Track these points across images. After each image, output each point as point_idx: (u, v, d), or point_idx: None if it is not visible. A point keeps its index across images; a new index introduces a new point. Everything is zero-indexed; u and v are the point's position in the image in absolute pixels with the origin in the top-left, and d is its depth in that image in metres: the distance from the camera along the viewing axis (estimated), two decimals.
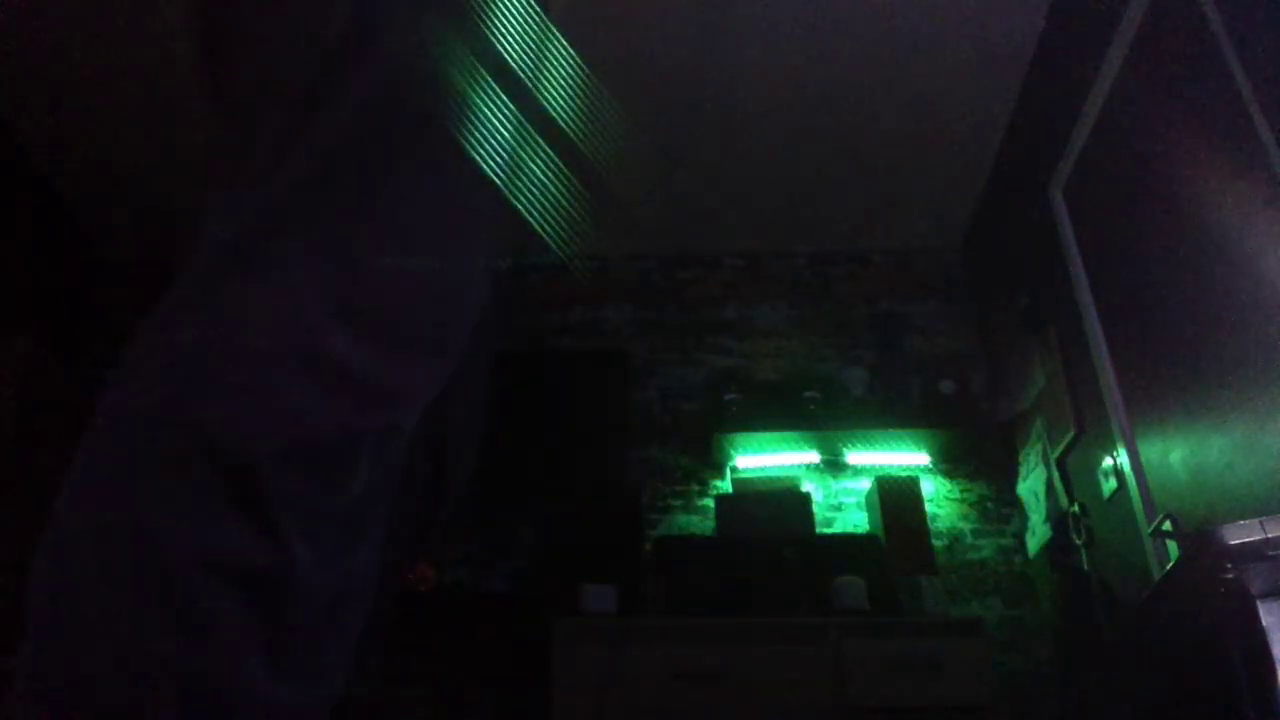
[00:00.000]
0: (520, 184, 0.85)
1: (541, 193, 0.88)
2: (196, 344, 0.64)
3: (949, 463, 3.79)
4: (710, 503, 3.68)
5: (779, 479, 3.71)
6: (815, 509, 3.54)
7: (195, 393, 0.61)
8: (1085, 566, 3.00)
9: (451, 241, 0.76)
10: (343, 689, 0.70)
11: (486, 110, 0.78)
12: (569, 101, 0.92)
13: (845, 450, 3.76)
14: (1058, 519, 3.24)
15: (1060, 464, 3.26)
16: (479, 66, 0.78)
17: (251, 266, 0.67)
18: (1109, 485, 2.88)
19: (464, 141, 0.75)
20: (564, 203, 0.91)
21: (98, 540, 0.58)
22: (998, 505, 3.71)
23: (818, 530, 3.50)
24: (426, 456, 0.94)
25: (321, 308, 0.66)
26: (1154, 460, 2.63)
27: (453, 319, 0.75)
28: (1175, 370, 2.49)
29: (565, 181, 0.90)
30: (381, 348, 0.67)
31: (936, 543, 3.53)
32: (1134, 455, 2.73)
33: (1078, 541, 3.05)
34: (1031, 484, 3.49)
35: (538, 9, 0.86)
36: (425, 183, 0.74)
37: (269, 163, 0.71)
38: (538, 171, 0.87)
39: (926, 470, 3.76)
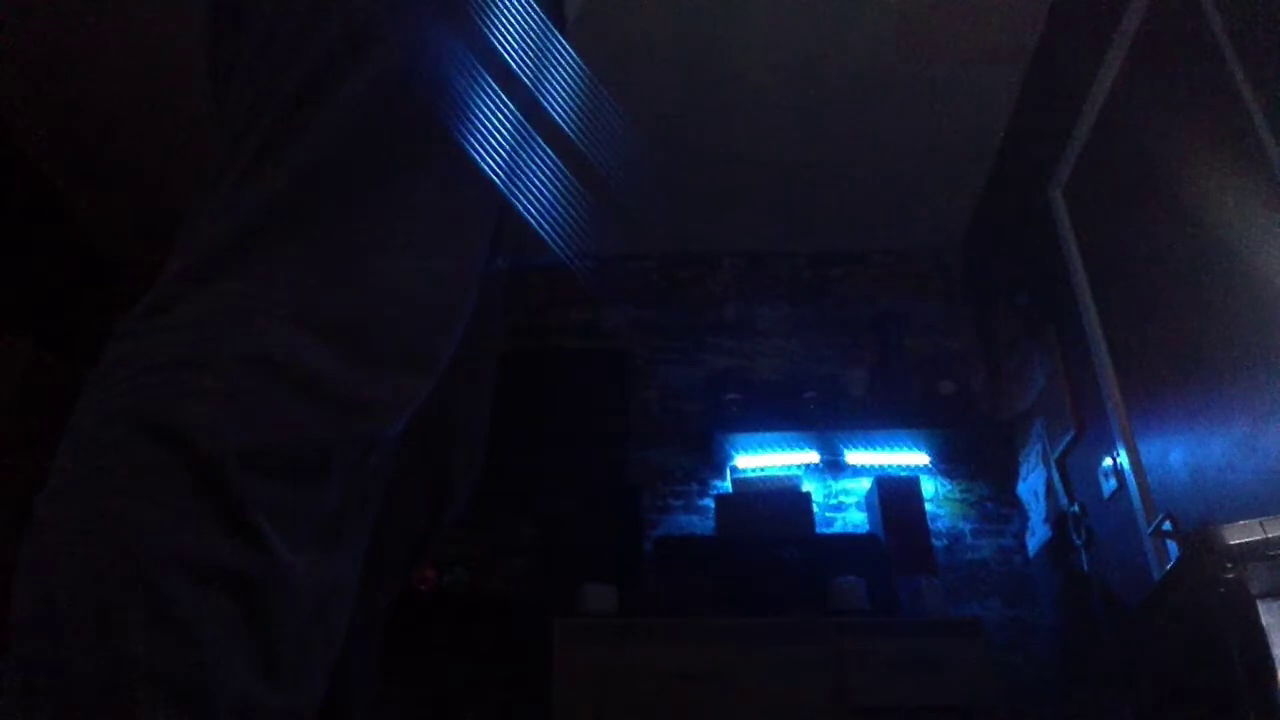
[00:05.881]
0: (520, 184, 0.84)
1: (541, 193, 0.87)
2: (172, 349, 0.64)
3: (949, 463, 3.79)
4: (710, 503, 3.68)
5: (779, 479, 3.71)
6: (815, 509, 3.54)
7: (170, 397, 0.61)
8: (1085, 566, 3.00)
9: (443, 247, 0.76)
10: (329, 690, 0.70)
11: (486, 111, 0.78)
12: (569, 102, 0.92)
13: (845, 450, 3.76)
14: (1057, 519, 3.24)
15: (1060, 464, 3.26)
16: (479, 67, 0.78)
17: (229, 272, 0.67)
18: (1109, 485, 2.88)
19: (463, 142, 0.75)
20: (564, 203, 0.90)
21: (77, 543, 0.58)
22: (998, 505, 3.71)
23: (818, 530, 3.50)
24: (426, 461, 0.94)
25: (297, 316, 0.65)
26: (1154, 460, 2.63)
27: (438, 329, 0.75)
28: (1175, 370, 2.49)
29: (565, 181, 0.90)
30: (357, 358, 0.67)
31: (936, 543, 3.53)
32: (1134, 455, 2.73)
33: (1078, 541, 3.04)
34: (1031, 484, 3.49)
35: (539, 11, 0.85)
36: (418, 188, 0.74)
37: (254, 167, 0.71)
38: (538, 171, 0.87)
39: (926, 470, 3.76)
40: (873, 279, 4.23)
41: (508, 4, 0.82)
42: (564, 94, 0.91)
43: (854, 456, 3.78)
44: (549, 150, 0.88)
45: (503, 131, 0.79)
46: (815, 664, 2.85)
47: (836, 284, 4.23)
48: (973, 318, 4.10)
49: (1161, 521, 2.43)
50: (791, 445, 3.73)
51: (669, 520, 3.68)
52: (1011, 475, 3.70)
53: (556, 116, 0.91)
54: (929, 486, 3.70)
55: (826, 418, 3.71)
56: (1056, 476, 3.26)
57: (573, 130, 0.95)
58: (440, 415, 0.89)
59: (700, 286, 4.25)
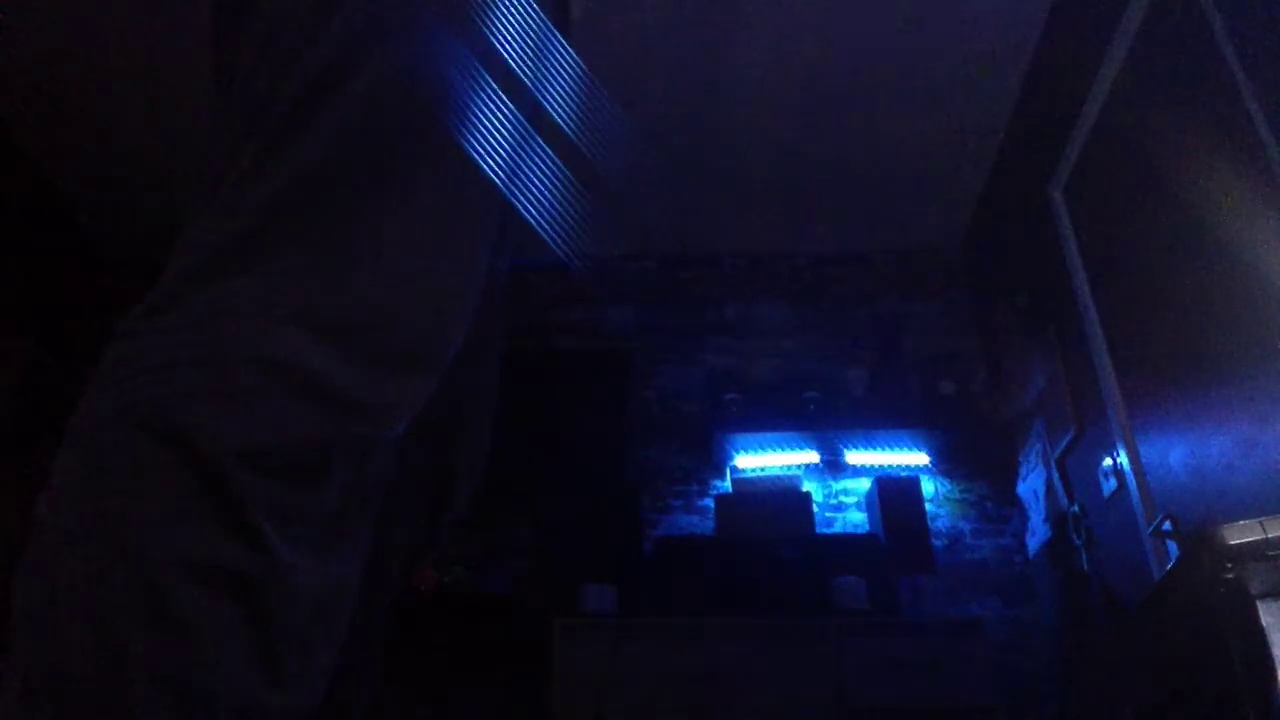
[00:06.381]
0: (520, 184, 0.84)
1: (542, 193, 0.87)
2: (172, 349, 0.64)
3: (949, 463, 3.79)
4: (710, 503, 3.68)
5: (779, 479, 3.71)
6: (815, 509, 3.54)
7: (171, 397, 0.61)
8: (1085, 566, 3.00)
9: (445, 248, 0.75)
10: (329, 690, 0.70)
11: (488, 112, 0.78)
12: (570, 102, 0.92)
13: (845, 450, 3.76)
14: (1057, 519, 3.24)
15: (1060, 464, 3.25)
16: (481, 69, 0.78)
17: (229, 272, 0.67)
18: (1109, 485, 2.88)
19: (465, 144, 0.75)
20: (565, 203, 0.90)
21: (78, 543, 0.58)
22: (998, 505, 3.71)
23: (818, 530, 3.50)
24: (428, 462, 0.93)
25: (297, 316, 0.65)
26: (1154, 460, 2.63)
27: (439, 329, 0.75)
28: (1175, 370, 2.49)
29: (565, 181, 0.90)
30: (357, 359, 0.67)
31: (936, 543, 3.53)
32: (1134, 455, 2.73)
33: (1078, 541, 3.04)
34: (1031, 484, 3.49)
35: (539, 12, 0.85)
36: (419, 189, 0.74)
37: (255, 168, 0.71)
38: (538, 171, 0.87)
39: (926, 470, 3.76)
40: (873, 279, 4.23)
41: (510, 5, 0.82)
42: (565, 95, 0.91)
43: (854, 456, 3.78)
44: (550, 151, 0.88)
45: (504, 132, 0.79)
46: (815, 664, 2.85)
47: (836, 284, 4.23)
48: (973, 318, 4.10)
49: (1161, 521, 2.43)
50: (791, 445, 3.73)
51: (669, 520, 3.68)
52: (1011, 475, 3.70)
53: (558, 117, 0.91)
54: (929, 486, 3.70)
55: (826, 418, 3.71)
56: (1056, 476, 3.26)
57: (574, 131, 0.95)
58: (443, 416, 0.89)
59: (700, 286, 4.25)
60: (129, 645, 0.55)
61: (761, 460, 3.76)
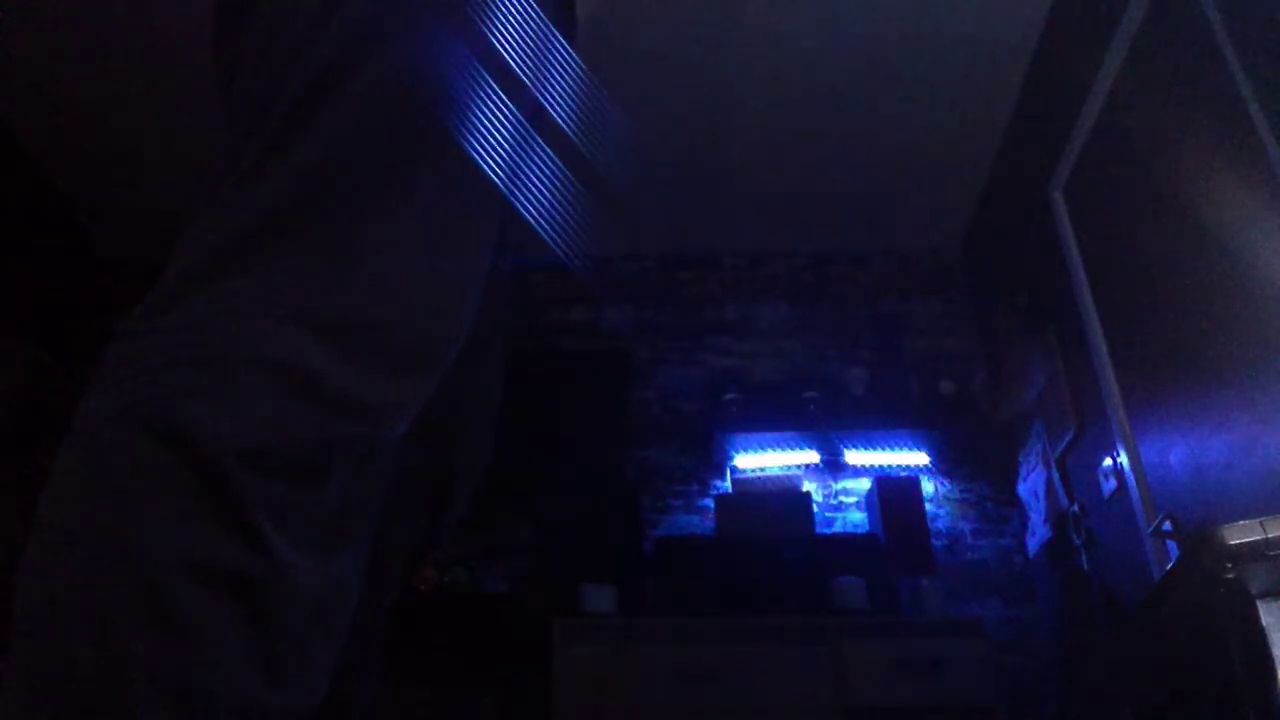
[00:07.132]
0: (520, 184, 0.84)
1: (541, 193, 0.87)
2: (172, 349, 0.64)
3: (949, 463, 3.79)
4: (710, 503, 3.68)
5: (779, 479, 3.71)
6: (815, 509, 3.54)
7: (171, 397, 0.61)
8: (1085, 566, 3.00)
9: (445, 248, 0.75)
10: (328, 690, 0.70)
11: (489, 112, 0.78)
12: (570, 102, 0.92)
13: (845, 450, 3.76)
14: (1057, 519, 3.24)
15: (1060, 464, 3.26)
16: (480, 68, 0.78)
17: (229, 272, 0.67)
18: (1109, 485, 2.88)
19: (466, 144, 0.75)
20: (565, 203, 0.90)
21: (78, 543, 0.58)
22: (998, 505, 3.71)
23: (818, 530, 3.50)
24: (429, 461, 0.93)
25: (297, 316, 0.65)
26: (1154, 460, 2.63)
27: (439, 329, 0.75)
28: (1175, 370, 2.49)
29: (565, 181, 0.90)
30: (357, 359, 0.67)
31: (936, 543, 3.53)
32: (1134, 455, 2.73)
33: (1078, 541, 3.04)
34: (1031, 484, 3.49)
35: (540, 12, 0.85)
36: (420, 189, 0.74)
37: (256, 168, 0.71)
38: (538, 171, 0.87)
39: (926, 470, 3.76)
40: (873, 279, 4.23)
41: (511, 5, 0.82)
42: (565, 95, 0.91)
43: (854, 456, 3.78)
44: (550, 151, 0.88)
45: (505, 132, 0.79)
46: (815, 664, 2.85)
47: (836, 284, 4.23)
48: (973, 318, 4.10)
49: (1161, 521, 2.43)
50: (791, 445, 3.73)
51: (669, 520, 3.68)
52: (1011, 475, 3.70)
53: (558, 117, 0.91)
54: (929, 486, 3.70)
55: (826, 418, 3.71)
56: (1056, 476, 3.26)
57: (574, 131, 0.95)
58: (443, 416, 0.89)
59: (700, 286, 4.25)
60: (129, 645, 0.55)
61: (761, 460, 3.76)
